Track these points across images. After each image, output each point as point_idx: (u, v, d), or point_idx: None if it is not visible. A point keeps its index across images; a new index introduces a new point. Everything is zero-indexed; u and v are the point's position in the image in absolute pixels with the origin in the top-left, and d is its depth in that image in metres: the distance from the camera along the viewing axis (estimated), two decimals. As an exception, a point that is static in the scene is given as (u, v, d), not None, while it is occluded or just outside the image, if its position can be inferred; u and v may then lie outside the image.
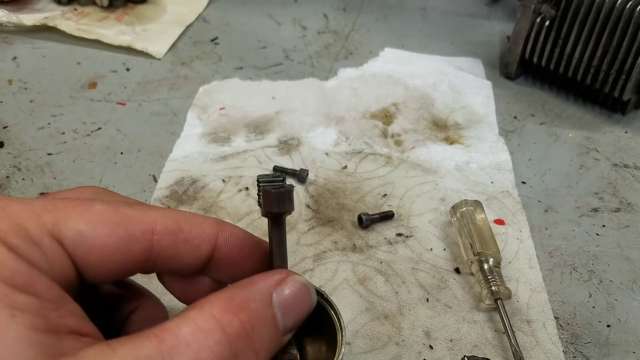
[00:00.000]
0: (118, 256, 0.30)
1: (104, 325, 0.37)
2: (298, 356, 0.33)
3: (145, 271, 0.33)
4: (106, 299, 0.36)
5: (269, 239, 0.33)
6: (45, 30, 0.87)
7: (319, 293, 0.35)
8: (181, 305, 0.36)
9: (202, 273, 0.35)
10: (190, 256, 0.33)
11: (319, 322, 0.35)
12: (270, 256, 0.33)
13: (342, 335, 0.34)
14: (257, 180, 0.32)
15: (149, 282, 0.42)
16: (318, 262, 0.55)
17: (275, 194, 0.30)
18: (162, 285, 0.36)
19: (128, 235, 0.30)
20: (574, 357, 0.48)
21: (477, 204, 0.57)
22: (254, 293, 0.29)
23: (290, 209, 0.31)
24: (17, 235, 0.26)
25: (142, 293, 0.37)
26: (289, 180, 0.63)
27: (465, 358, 0.43)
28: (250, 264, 0.35)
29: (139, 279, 0.38)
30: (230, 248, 0.34)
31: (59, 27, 0.87)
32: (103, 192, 0.34)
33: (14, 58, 0.82)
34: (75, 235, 0.28)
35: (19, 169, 0.63)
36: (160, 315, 0.38)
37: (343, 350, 0.33)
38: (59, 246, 0.28)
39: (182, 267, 0.33)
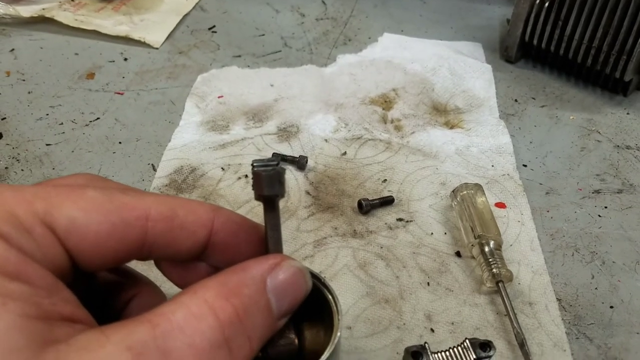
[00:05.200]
0: (112, 243, 0.29)
1: (101, 313, 0.37)
2: (296, 340, 0.33)
3: (141, 258, 0.32)
4: (104, 286, 0.36)
5: (264, 224, 0.33)
6: (42, 22, 0.87)
7: (316, 277, 0.35)
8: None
9: (200, 259, 0.35)
10: (186, 242, 0.32)
11: (317, 306, 0.35)
12: (265, 241, 0.33)
13: (338, 319, 0.34)
14: (252, 165, 0.32)
15: (149, 270, 0.42)
16: (318, 248, 0.54)
17: (265, 177, 0.30)
18: (161, 273, 0.36)
19: (122, 222, 0.29)
20: (577, 338, 0.48)
21: (478, 187, 0.57)
22: (247, 278, 0.29)
23: (281, 192, 0.31)
24: (8, 223, 0.26)
25: (140, 280, 0.37)
26: (288, 167, 0.63)
27: (467, 340, 0.43)
28: (247, 249, 0.34)
29: (138, 267, 0.38)
30: (226, 233, 0.33)
31: (56, 18, 0.86)
32: (97, 179, 0.34)
33: (12, 50, 0.81)
34: (68, 223, 0.28)
35: (17, 160, 0.63)
36: (159, 302, 0.37)
37: (339, 334, 0.33)
38: (50, 234, 0.27)
39: (178, 254, 0.33)
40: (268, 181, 0.30)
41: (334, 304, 0.35)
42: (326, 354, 0.32)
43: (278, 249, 0.33)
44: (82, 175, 0.34)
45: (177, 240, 0.32)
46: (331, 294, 0.35)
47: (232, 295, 0.27)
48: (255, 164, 0.31)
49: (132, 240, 0.30)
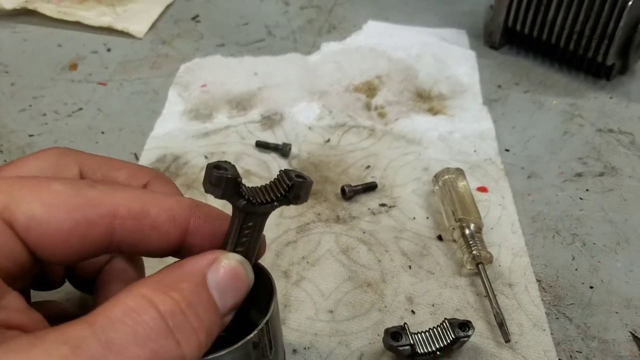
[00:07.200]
0: (74, 241, 0.29)
1: (78, 280, 0.36)
2: None
3: (111, 252, 0.32)
4: None
5: None
6: (25, 14, 0.86)
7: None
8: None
9: (177, 255, 0.33)
10: (157, 242, 0.31)
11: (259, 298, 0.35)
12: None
13: (273, 287, 0.34)
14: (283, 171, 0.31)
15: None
16: (301, 233, 0.55)
17: (206, 171, 0.29)
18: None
19: (85, 220, 0.28)
20: (557, 318, 0.48)
21: (459, 171, 0.57)
22: (184, 274, 0.28)
23: (212, 192, 0.29)
24: None
25: None
26: (273, 155, 0.63)
27: (446, 321, 0.43)
28: None
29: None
30: (204, 235, 0.32)
31: (39, 10, 0.86)
32: (67, 154, 0.33)
33: (-6, 42, 0.81)
34: (28, 219, 0.27)
35: (0, 151, 0.63)
36: (132, 265, 0.37)
37: (275, 300, 0.33)
38: (8, 228, 0.27)
39: (150, 252, 0.32)
40: (205, 175, 0.29)
41: (267, 277, 0.35)
42: (262, 323, 0.32)
43: (225, 246, 0.32)
44: (52, 150, 0.33)
45: (148, 240, 0.31)
46: (267, 275, 0.35)
47: (170, 290, 0.27)
48: (281, 171, 0.31)
49: (96, 237, 0.29)
